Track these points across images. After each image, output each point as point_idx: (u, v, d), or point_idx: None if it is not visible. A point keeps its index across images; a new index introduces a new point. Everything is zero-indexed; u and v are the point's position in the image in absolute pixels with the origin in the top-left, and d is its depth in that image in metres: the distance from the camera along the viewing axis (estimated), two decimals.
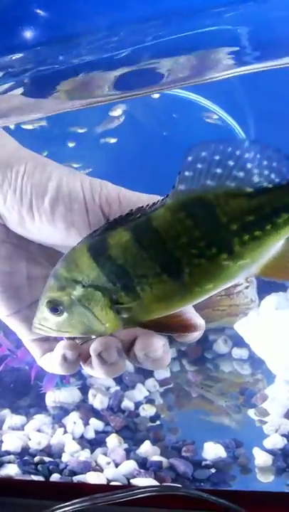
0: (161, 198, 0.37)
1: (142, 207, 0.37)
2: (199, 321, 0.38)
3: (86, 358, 0.42)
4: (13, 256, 0.45)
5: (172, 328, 0.38)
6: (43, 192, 0.41)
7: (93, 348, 0.40)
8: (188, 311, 0.39)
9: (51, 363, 0.43)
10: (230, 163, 0.33)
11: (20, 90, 0.74)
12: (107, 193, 0.41)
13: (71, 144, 1.22)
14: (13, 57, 0.78)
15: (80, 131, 1.19)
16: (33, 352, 0.46)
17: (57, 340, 0.43)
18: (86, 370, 0.43)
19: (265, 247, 0.35)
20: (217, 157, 0.33)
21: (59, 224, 0.41)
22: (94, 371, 0.41)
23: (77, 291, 0.38)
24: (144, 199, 0.39)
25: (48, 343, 0.45)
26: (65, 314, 0.39)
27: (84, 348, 0.42)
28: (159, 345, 0.39)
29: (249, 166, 0.33)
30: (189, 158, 0.34)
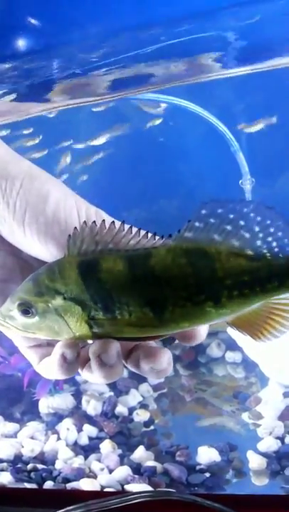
0: (152, 233, 0.37)
1: (140, 238, 0.37)
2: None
3: (84, 362, 0.42)
4: (7, 263, 0.45)
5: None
6: (39, 212, 0.41)
7: (93, 350, 0.39)
8: None
9: (50, 366, 0.42)
10: (241, 222, 0.35)
11: (13, 96, 0.74)
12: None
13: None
14: (7, 66, 0.79)
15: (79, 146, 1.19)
16: (30, 359, 0.45)
17: (53, 345, 0.43)
18: (84, 375, 0.42)
19: (249, 304, 0.37)
20: (231, 216, 0.35)
21: (50, 245, 0.41)
22: (92, 375, 0.41)
23: (56, 301, 0.39)
24: (133, 230, 0.40)
25: (44, 348, 0.45)
26: (36, 318, 0.39)
27: (82, 352, 0.41)
28: (165, 358, 0.39)
29: (257, 229, 0.35)
30: (203, 211, 0.35)
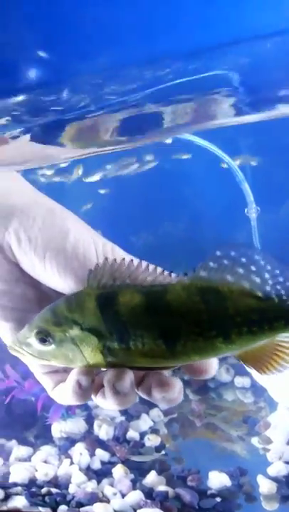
0: (169, 271, 0.40)
1: (157, 275, 0.40)
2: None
3: (98, 389, 0.43)
4: (27, 294, 0.47)
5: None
6: (60, 248, 0.44)
7: (108, 378, 0.41)
8: None
9: (64, 392, 0.44)
10: (253, 268, 0.38)
11: (28, 137, 0.77)
12: (117, 257, 0.43)
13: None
14: (15, 100, 0.82)
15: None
16: (45, 384, 0.47)
17: (67, 371, 0.45)
18: (97, 401, 0.44)
19: (256, 341, 0.39)
20: (244, 260, 0.38)
21: (69, 278, 0.44)
22: (106, 402, 0.43)
23: (74, 331, 0.41)
24: (150, 267, 0.42)
25: (59, 374, 0.46)
26: (52, 346, 0.42)
27: (96, 379, 0.43)
28: (176, 388, 0.41)
29: (266, 275, 0.38)
30: (218, 253, 0.38)
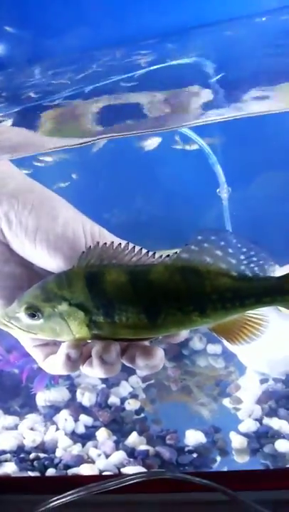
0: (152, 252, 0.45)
1: (141, 256, 0.44)
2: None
3: (85, 359, 0.48)
4: (16, 273, 0.51)
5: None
6: (50, 231, 0.47)
7: (95, 350, 0.46)
8: None
9: (55, 364, 0.48)
10: (230, 250, 0.42)
11: (10, 122, 0.78)
12: (103, 240, 0.47)
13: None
14: None
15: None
16: (36, 356, 0.51)
17: (57, 344, 0.49)
18: (84, 370, 0.49)
19: (228, 315, 0.44)
20: (222, 243, 0.42)
21: (58, 258, 0.47)
22: (93, 371, 0.47)
23: (62, 307, 0.45)
24: (136, 249, 0.46)
25: (49, 347, 0.51)
26: (41, 321, 0.45)
27: (84, 349, 0.47)
28: (158, 356, 0.46)
29: (242, 257, 0.43)
30: (199, 237, 0.42)
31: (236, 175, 1.07)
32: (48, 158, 1.19)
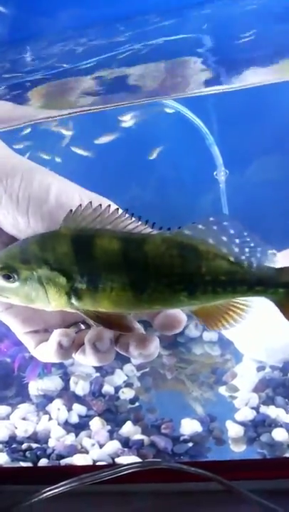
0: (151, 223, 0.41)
1: (138, 224, 0.40)
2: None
3: (78, 346, 0.45)
4: None
5: (114, 327, 0.43)
6: (42, 200, 0.43)
7: (88, 338, 0.43)
8: None
9: (46, 351, 0.45)
10: (237, 240, 0.40)
11: None
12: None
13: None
14: None
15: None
16: (27, 343, 0.49)
17: (49, 331, 0.47)
18: (77, 358, 0.46)
19: (216, 300, 0.41)
20: (232, 231, 0.40)
21: (54, 229, 0.43)
22: (86, 359, 0.45)
23: (42, 270, 0.41)
24: (133, 218, 0.42)
25: (41, 334, 0.48)
26: (16, 284, 0.42)
27: (76, 336, 0.45)
28: (153, 344, 0.43)
29: (246, 249, 0.41)
30: (211, 219, 0.40)
31: (233, 157, 1.04)
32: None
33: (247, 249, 0.40)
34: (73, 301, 0.42)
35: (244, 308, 0.42)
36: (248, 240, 0.40)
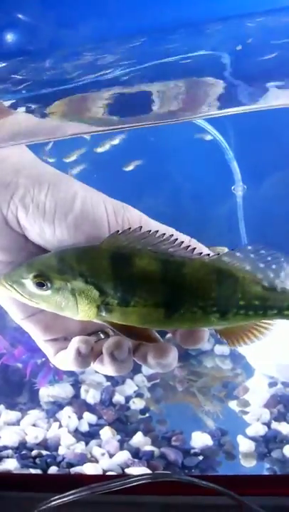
0: (179, 233, 0.43)
1: (179, 248, 0.42)
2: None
3: (96, 355, 0.45)
4: None
5: (139, 338, 0.43)
6: (68, 209, 0.44)
7: (106, 346, 0.43)
8: None
9: (65, 359, 0.46)
10: (273, 266, 0.42)
11: (23, 109, 0.76)
12: (129, 216, 0.44)
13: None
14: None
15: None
16: (47, 351, 0.49)
17: (68, 339, 0.47)
18: (95, 367, 0.46)
19: (245, 321, 0.43)
20: (269, 258, 0.42)
21: (80, 239, 0.44)
22: (104, 368, 0.45)
23: (77, 282, 0.42)
24: (162, 228, 0.44)
25: (61, 342, 0.48)
26: (48, 292, 0.43)
27: (95, 345, 0.45)
28: (172, 355, 0.43)
29: (282, 274, 0.42)
30: (249, 247, 0.42)
31: (251, 172, 1.05)
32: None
33: (282, 274, 0.42)
34: (102, 313, 0.43)
35: (267, 327, 0.43)
36: (284, 264, 0.42)
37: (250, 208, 1.05)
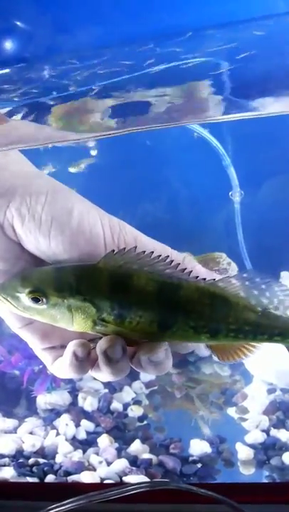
0: (175, 251, 0.45)
1: (176, 270, 0.43)
2: None
3: (94, 362, 0.45)
4: None
5: (129, 345, 0.44)
6: (65, 225, 0.44)
7: (99, 346, 0.43)
8: None
9: (62, 365, 0.45)
10: (267, 294, 0.43)
11: (19, 116, 0.76)
12: (125, 234, 0.45)
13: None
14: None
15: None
16: (44, 359, 0.49)
17: (66, 347, 0.46)
18: (93, 374, 0.46)
19: (235, 342, 0.44)
20: (263, 286, 0.43)
21: (75, 254, 0.44)
22: (101, 372, 0.45)
23: (75, 300, 0.42)
24: (157, 247, 0.45)
25: (58, 350, 0.48)
26: (44, 307, 0.43)
27: (92, 353, 0.45)
28: (161, 349, 0.44)
29: (275, 300, 0.44)
30: (244, 275, 0.43)
31: (248, 178, 1.05)
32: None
33: (276, 300, 0.43)
34: (97, 327, 0.43)
35: (257, 345, 0.45)
36: (278, 292, 0.43)
37: (247, 214, 1.05)
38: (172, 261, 0.43)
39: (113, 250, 0.43)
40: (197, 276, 0.43)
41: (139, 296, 0.42)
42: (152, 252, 0.43)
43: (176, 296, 0.43)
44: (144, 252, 0.42)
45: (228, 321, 0.43)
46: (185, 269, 0.43)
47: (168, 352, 0.44)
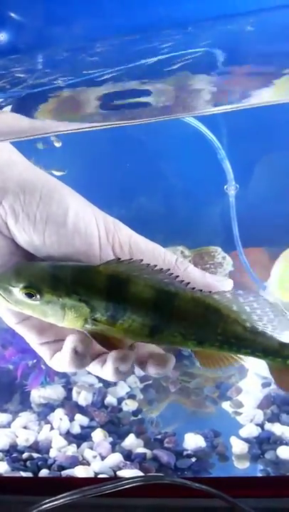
0: (168, 251, 0.46)
1: (174, 281, 0.44)
2: None
3: (93, 357, 0.46)
4: None
5: (112, 348, 0.45)
6: (60, 224, 0.44)
7: (113, 358, 0.44)
8: None
9: (61, 360, 0.45)
10: (258, 311, 0.45)
11: (9, 108, 0.75)
12: (119, 234, 0.46)
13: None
14: None
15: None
16: (43, 354, 0.49)
17: (64, 341, 0.46)
18: (94, 371, 0.46)
19: (221, 352, 0.46)
20: (255, 305, 0.44)
21: (70, 254, 0.44)
22: (105, 375, 0.45)
23: (70, 300, 0.43)
24: (150, 247, 0.46)
25: (56, 344, 0.48)
26: (37, 302, 0.43)
27: (93, 346, 0.45)
28: (171, 363, 0.46)
29: (265, 319, 0.45)
30: (240, 291, 0.45)
31: (244, 171, 1.04)
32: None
33: (265, 318, 0.44)
34: (88, 326, 0.44)
35: (239, 358, 0.46)
36: (269, 312, 0.44)
37: (242, 207, 1.05)
38: (172, 274, 0.44)
39: (119, 258, 0.43)
40: (194, 288, 0.44)
41: (135, 302, 0.43)
42: (155, 265, 0.43)
43: (171, 304, 0.44)
44: (148, 265, 0.43)
45: (215, 332, 0.44)
46: (182, 281, 0.44)
47: (174, 362, 0.46)
